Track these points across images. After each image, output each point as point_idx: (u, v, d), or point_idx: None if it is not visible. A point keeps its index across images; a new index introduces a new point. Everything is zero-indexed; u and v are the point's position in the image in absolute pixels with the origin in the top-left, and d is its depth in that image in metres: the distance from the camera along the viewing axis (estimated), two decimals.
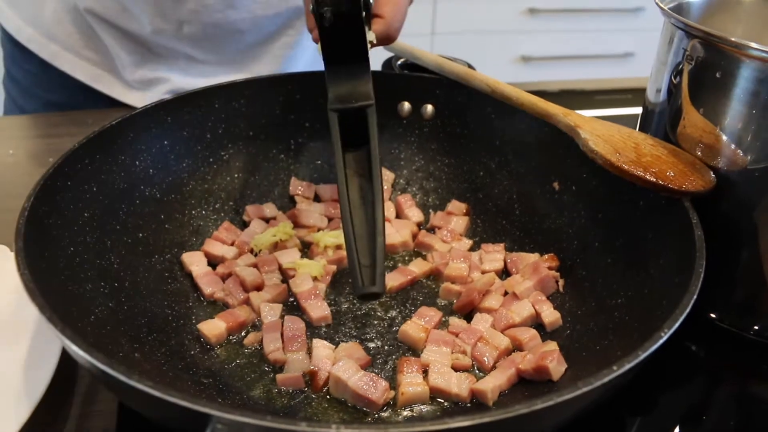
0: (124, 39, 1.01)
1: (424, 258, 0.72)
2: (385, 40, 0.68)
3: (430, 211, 0.79)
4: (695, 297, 0.47)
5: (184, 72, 1.04)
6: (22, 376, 0.54)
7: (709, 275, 0.63)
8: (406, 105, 0.82)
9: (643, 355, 0.40)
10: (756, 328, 0.65)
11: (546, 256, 0.69)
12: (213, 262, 0.69)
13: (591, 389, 0.38)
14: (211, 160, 0.76)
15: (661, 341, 0.42)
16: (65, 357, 0.54)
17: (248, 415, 0.33)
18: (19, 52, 1.07)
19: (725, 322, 0.66)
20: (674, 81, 0.65)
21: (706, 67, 0.61)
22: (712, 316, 0.67)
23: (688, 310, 0.45)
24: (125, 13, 0.98)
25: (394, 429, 0.34)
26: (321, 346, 0.58)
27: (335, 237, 0.71)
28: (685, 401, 0.61)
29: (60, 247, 0.55)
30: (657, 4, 0.67)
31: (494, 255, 0.71)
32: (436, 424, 0.34)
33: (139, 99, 1.04)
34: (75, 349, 0.39)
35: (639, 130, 0.74)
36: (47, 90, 1.08)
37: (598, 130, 0.65)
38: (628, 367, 0.39)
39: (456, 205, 0.78)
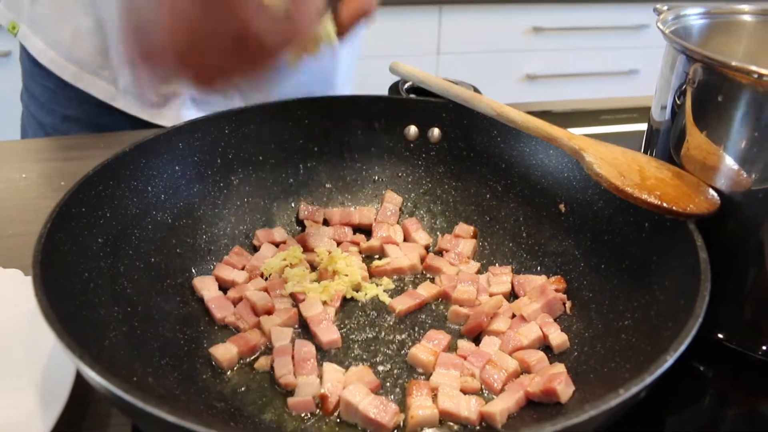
0: None
1: (432, 281, 0.73)
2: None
3: (438, 234, 0.80)
4: (701, 320, 0.47)
5: None
6: (36, 399, 0.54)
7: (715, 296, 0.63)
8: (413, 129, 0.83)
9: (649, 379, 0.41)
10: (764, 348, 0.65)
11: (553, 279, 0.70)
12: (224, 286, 0.69)
13: (599, 413, 0.38)
14: (221, 185, 0.77)
15: (666, 365, 0.42)
16: (78, 380, 0.55)
17: None
18: (38, 69, 1.10)
19: (733, 343, 0.66)
20: (678, 102, 0.66)
21: (708, 89, 0.62)
22: (720, 336, 0.67)
23: (693, 333, 0.46)
24: None
25: None
26: (331, 370, 0.59)
27: (345, 261, 0.72)
28: (693, 421, 0.61)
29: (75, 273, 0.55)
30: (658, 27, 0.68)
31: (501, 278, 0.71)
32: None
33: (155, 114, 1.06)
34: (93, 376, 0.39)
35: (644, 148, 0.75)
36: (65, 106, 1.10)
37: (603, 153, 0.66)
38: (634, 390, 0.40)
39: (463, 228, 0.78)
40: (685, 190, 0.61)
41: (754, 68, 0.57)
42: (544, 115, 1.31)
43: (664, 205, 0.59)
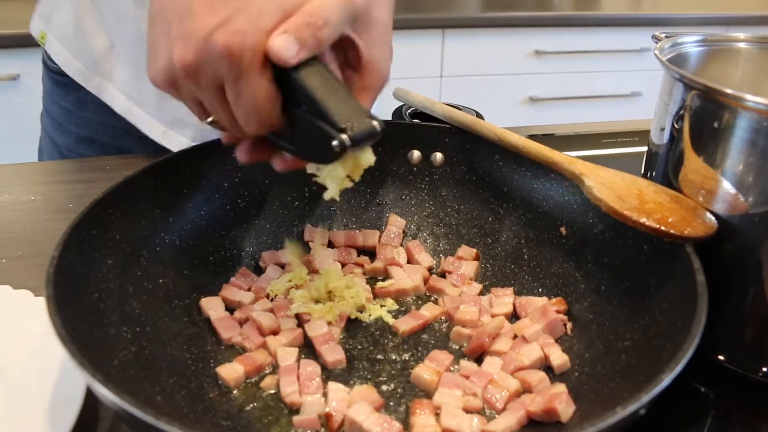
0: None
1: (435, 302, 0.73)
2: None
3: (441, 256, 0.80)
4: (697, 340, 0.48)
5: None
6: (46, 418, 0.55)
7: (715, 317, 0.64)
8: (416, 153, 0.84)
9: (646, 398, 0.42)
10: (765, 370, 0.66)
11: (554, 300, 0.70)
12: (230, 307, 0.70)
13: (597, 431, 0.39)
14: (228, 207, 0.78)
15: (663, 384, 0.43)
16: (87, 399, 0.56)
17: None
18: (57, 89, 1.13)
19: (733, 364, 0.67)
20: (676, 127, 0.67)
21: (706, 116, 0.63)
22: (721, 358, 0.67)
23: (690, 354, 0.47)
24: None
25: None
26: (336, 389, 0.59)
27: (349, 282, 0.73)
28: None
29: (86, 294, 0.57)
30: (656, 56, 0.70)
31: (503, 299, 0.72)
32: None
33: (161, 135, 1.07)
34: (105, 393, 0.41)
35: (644, 171, 0.76)
36: (81, 126, 1.12)
37: (602, 178, 0.67)
38: (631, 409, 0.41)
39: (466, 250, 0.79)
40: (683, 213, 0.62)
41: (749, 96, 0.58)
42: (546, 138, 1.32)
43: (662, 228, 0.60)
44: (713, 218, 0.62)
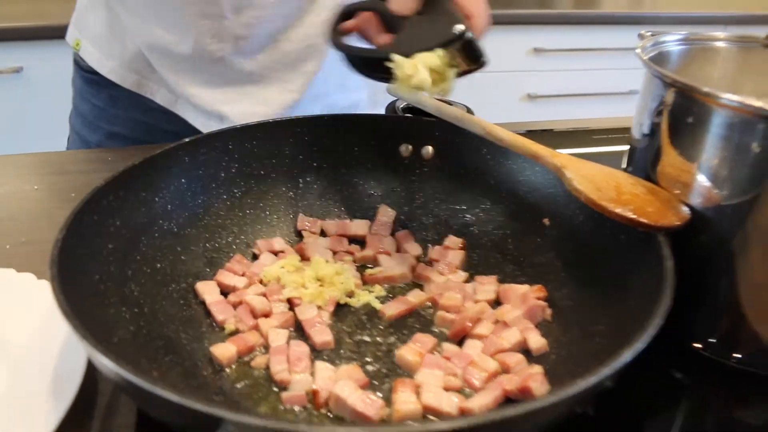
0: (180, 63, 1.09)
1: (422, 289, 0.76)
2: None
3: (429, 245, 0.83)
4: (660, 320, 0.51)
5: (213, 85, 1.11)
6: (48, 393, 0.59)
7: (691, 307, 0.67)
8: (408, 146, 0.87)
9: (606, 372, 0.45)
10: (737, 356, 0.69)
11: (535, 287, 0.73)
12: (225, 291, 0.73)
13: (559, 400, 0.42)
14: (224, 197, 0.81)
15: (623, 359, 0.46)
16: (86, 376, 0.59)
17: (254, 418, 0.38)
18: (88, 87, 1.18)
19: (708, 352, 0.70)
20: (655, 122, 0.70)
21: (682, 112, 0.66)
22: (697, 346, 0.70)
23: (653, 333, 0.49)
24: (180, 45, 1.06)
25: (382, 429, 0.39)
26: (323, 368, 0.62)
27: (338, 271, 0.76)
28: (672, 425, 0.65)
29: (87, 276, 0.60)
30: (637, 54, 0.73)
31: (487, 287, 0.75)
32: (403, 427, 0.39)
33: (203, 124, 1.13)
34: (106, 363, 0.44)
35: (626, 166, 0.78)
36: (111, 123, 1.18)
37: (582, 170, 0.70)
38: (593, 381, 0.44)
39: (453, 240, 0.83)
40: (658, 205, 0.65)
41: (723, 94, 0.61)
42: (544, 134, 1.34)
43: (637, 218, 0.63)
44: (687, 209, 0.65)
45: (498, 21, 2.81)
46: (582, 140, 1.30)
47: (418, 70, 0.71)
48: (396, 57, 0.72)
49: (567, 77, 2.98)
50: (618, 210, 0.64)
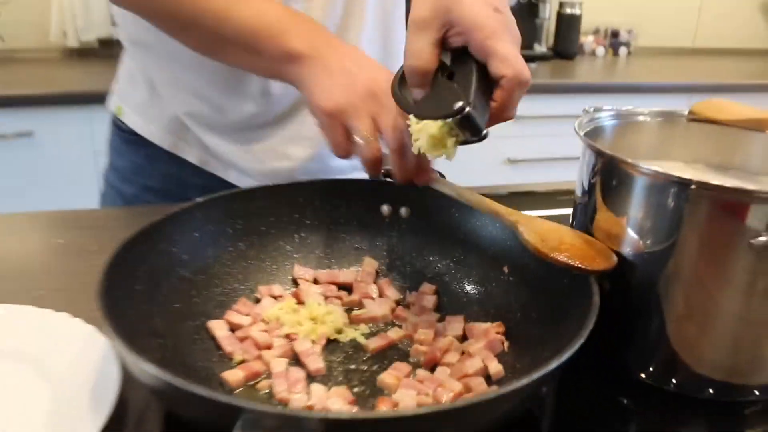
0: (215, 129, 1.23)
1: (400, 327, 0.88)
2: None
3: (407, 291, 0.96)
4: (582, 340, 0.63)
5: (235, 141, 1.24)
6: (86, 410, 0.69)
7: (631, 342, 0.79)
8: (387, 207, 1.00)
9: (529, 379, 0.57)
10: (674, 381, 0.79)
11: (495, 324, 0.85)
12: (233, 328, 0.85)
13: (483, 400, 0.56)
14: (230, 249, 0.94)
15: (547, 370, 0.58)
16: (119, 397, 0.70)
17: (270, 407, 0.51)
18: (127, 147, 1.31)
19: (650, 379, 0.81)
20: (591, 184, 0.83)
21: (612, 177, 0.79)
22: (642, 376, 0.80)
23: (574, 350, 0.61)
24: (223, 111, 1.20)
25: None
26: (317, 389, 0.74)
27: (329, 312, 0.89)
28: None
29: (122, 310, 0.70)
30: (575, 129, 0.87)
31: (455, 325, 0.87)
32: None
33: (236, 179, 1.27)
34: (149, 368, 0.56)
35: (571, 220, 0.91)
36: (147, 177, 1.30)
37: (532, 225, 0.83)
38: (517, 386, 0.57)
39: (426, 287, 0.95)
40: (592, 253, 0.78)
41: (641, 164, 0.74)
42: (524, 196, 1.46)
43: (572, 263, 0.76)
44: (615, 257, 0.78)
45: None
46: (546, 202, 1.43)
47: (419, 136, 0.78)
48: (410, 121, 0.79)
49: (545, 142, 3.13)
50: (558, 257, 0.77)
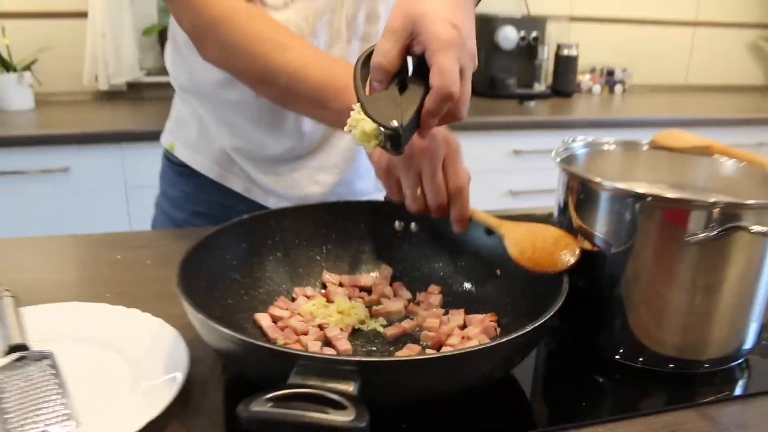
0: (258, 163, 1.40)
1: (412, 319, 1.04)
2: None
3: (417, 291, 1.12)
4: (551, 313, 0.80)
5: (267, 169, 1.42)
6: (161, 385, 0.80)
7: (604, 328, 0.94)
8: (399, 223, 1.17)
9: (504, 339, 0.74)
10: (641, 359, 0.92)
11: (489, 315, 1.02)
12: (274, 320, 1.01)
13: (472, 350, 0.73)
14: (270, 257, 1.10)
15: (519, 333, 0.74)
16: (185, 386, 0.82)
17: (319, 354, 0.70)
18: (179, 177, 1.48)
19: (621, 358, 0.93)
20: (566, 200, 0.99)
21: (582, 193, 0.93)
22: (616, 357, 0.93)
23: (545, 319, 0.78)
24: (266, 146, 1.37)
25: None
26: None
27: (353, 307, 1.07)
28: (601, 412, 0.86)
29: (192, 298, 0.88)
30: (552, 157, 1.06)
31: (457, 316, 1.03)
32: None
33: (275, 205, 1.44)
34: (221, 329, 0.74)
35: None
36: (195, 204, 1.47)
37: (514, 234, 0.98)
38: (493, 343, 0.74)
39: (433, 287, 1.11)
40: (558, 253, 0.93)
41: (605, 182, 0.90)
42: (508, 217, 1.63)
43: (544, 271, 0.93)
44: (578, 250, 0.93)
45: (482, 127, 3.15)
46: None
47: (356, 125, 0.83)
48: (356, 107, 0.82)
49: (543, 175, 3.23)
50: (532, 267, 0.94)
